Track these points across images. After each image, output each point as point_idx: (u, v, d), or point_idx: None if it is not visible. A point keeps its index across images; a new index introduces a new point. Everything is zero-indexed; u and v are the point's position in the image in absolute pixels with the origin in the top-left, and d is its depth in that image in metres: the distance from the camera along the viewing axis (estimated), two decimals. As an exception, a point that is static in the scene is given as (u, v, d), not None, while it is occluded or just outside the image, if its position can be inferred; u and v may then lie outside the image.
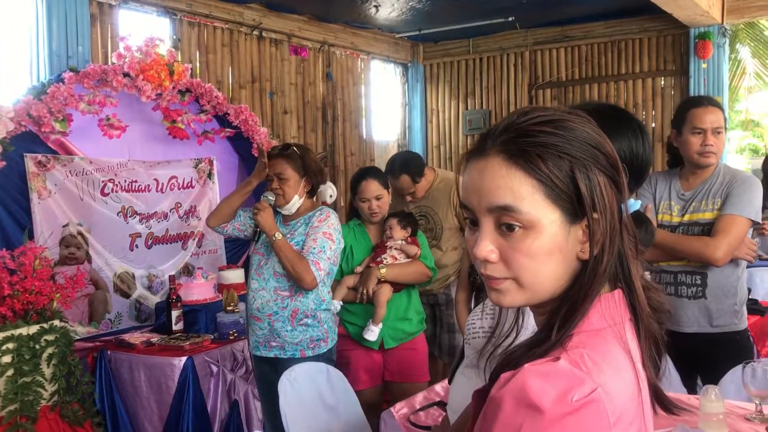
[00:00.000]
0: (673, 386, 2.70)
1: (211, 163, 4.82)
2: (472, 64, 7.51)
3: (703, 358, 2.75)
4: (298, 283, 2.89)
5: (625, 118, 1.51)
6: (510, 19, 6.56)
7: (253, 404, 3.56)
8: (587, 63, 6.94)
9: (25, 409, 3.08)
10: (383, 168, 3.88)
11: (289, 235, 2.96)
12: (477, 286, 3.08)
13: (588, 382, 0.81)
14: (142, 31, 4.43)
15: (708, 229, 2.71)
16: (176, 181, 4.58)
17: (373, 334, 3.24)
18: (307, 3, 5.81)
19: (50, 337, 3.21)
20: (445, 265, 4.05)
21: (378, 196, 3.34)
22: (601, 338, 0.88)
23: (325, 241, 2.92)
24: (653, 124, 6.66)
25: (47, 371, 3.19)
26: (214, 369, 3.46)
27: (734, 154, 10.96)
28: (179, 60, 4.56)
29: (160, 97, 4.22)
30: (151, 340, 3.59)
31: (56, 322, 3.27)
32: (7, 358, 3.07)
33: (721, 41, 6.22)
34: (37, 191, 3.76)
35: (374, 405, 3.27)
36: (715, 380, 2.47)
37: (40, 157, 3.79)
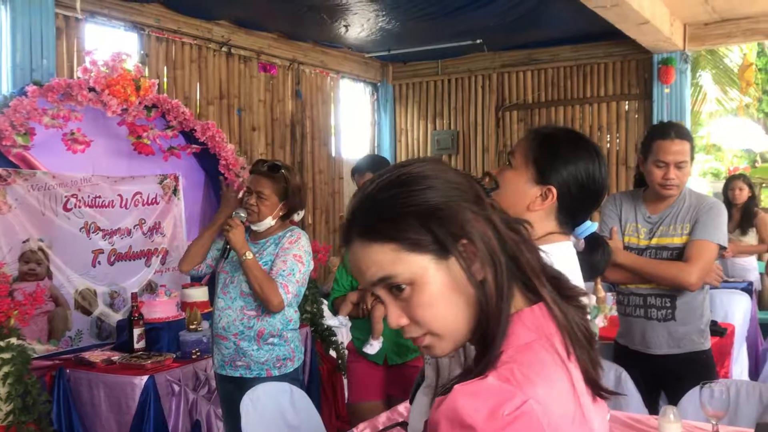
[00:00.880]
0: (635, 406, 2.73)
1: (176, 179, 4.77)
2: (440, 85, 7.58)
3: (670, 378, 2.79)
4: (264, 304, 2.87)
5: (582, 142, 1.54)
6: (478, 41, 6.66)
7: (215, 424, 3.51)
8: (553, 86, 7.05)
9: (-22, 429, 3.00)
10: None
11: (258, 255, 2.94)
12: None
13: (518, 395, 0.82)
14: (109, 46, 4.40)
15: (677, 254, 2.75)
16: (141, 197, 4.53)
17: (372, 348, 3.29)
18: (277, 21, 5.83)
19: (6, 356, 3.13)
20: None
21: None
22: (531, 350, 0.90)
23: (295, 263, 2.91)
24: (617, 148, 6.78)
25: (2, 390, 3.11)
26: (176, 388, 3.40)
27: (697, 177, 11.19)
28: (146, 75, 4.53)
29: (126, 112, 4.18)
30: (112, 358, 3.52)
31: (13, 340, 3.19)
32: (-40, 377, 3.00)
33: (683, 67, 6.38)
34: (-4, 206, 3.69)
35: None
36: (679, 400, 2.52)
37: (0, 171, 3.73)
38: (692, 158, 2.79)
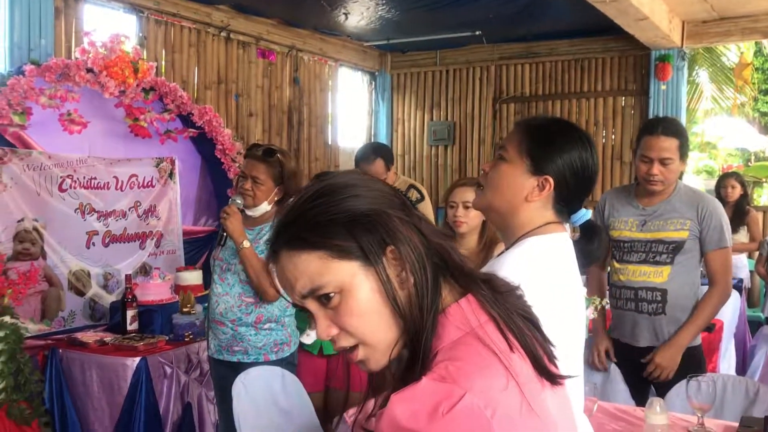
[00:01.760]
0: (622, 397, 2.77)
1: (173, 162, 4.77)
2: (438, 75, 7.58)
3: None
4: (260, 294, 2.87)
5: (573, 130, 1.56)
6: (477, 33, 6.65)
7: (206, 407, 3.53)
8: (551, 79, 7.06)
9: (-30, 406, 3.01)
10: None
11: (254, 241, 2.93)
12: None
13: (455, 390, 0.82)
14: (108, 27, 4.38)
15: (673, 248, 2.77)
16: (136, 179, 4.53)
17: (309, 338, 3.23)
18: (277, 7, 5.81)
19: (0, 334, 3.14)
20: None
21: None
22: (462, 344, 0.89)
23: None
24: (612, 143, 6.80)
25: (-5, 368, 3.13)
26: (168, 370, 3.42)
27: (691, 174, 11.24)
28: (144, 58, 4.52)
29: (124, 94, 4.18)
30: (105, 339, 3.54)
31: (6, 318, 3.20)
32: (-47, 354, 3.01)
33: (680, 64, 6.39)
34: (-8, 184, 3.69)
35: (320, 410, 3.26)
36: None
37: (-4, 149, 3.72)
38: (685, 155, 2.77)
